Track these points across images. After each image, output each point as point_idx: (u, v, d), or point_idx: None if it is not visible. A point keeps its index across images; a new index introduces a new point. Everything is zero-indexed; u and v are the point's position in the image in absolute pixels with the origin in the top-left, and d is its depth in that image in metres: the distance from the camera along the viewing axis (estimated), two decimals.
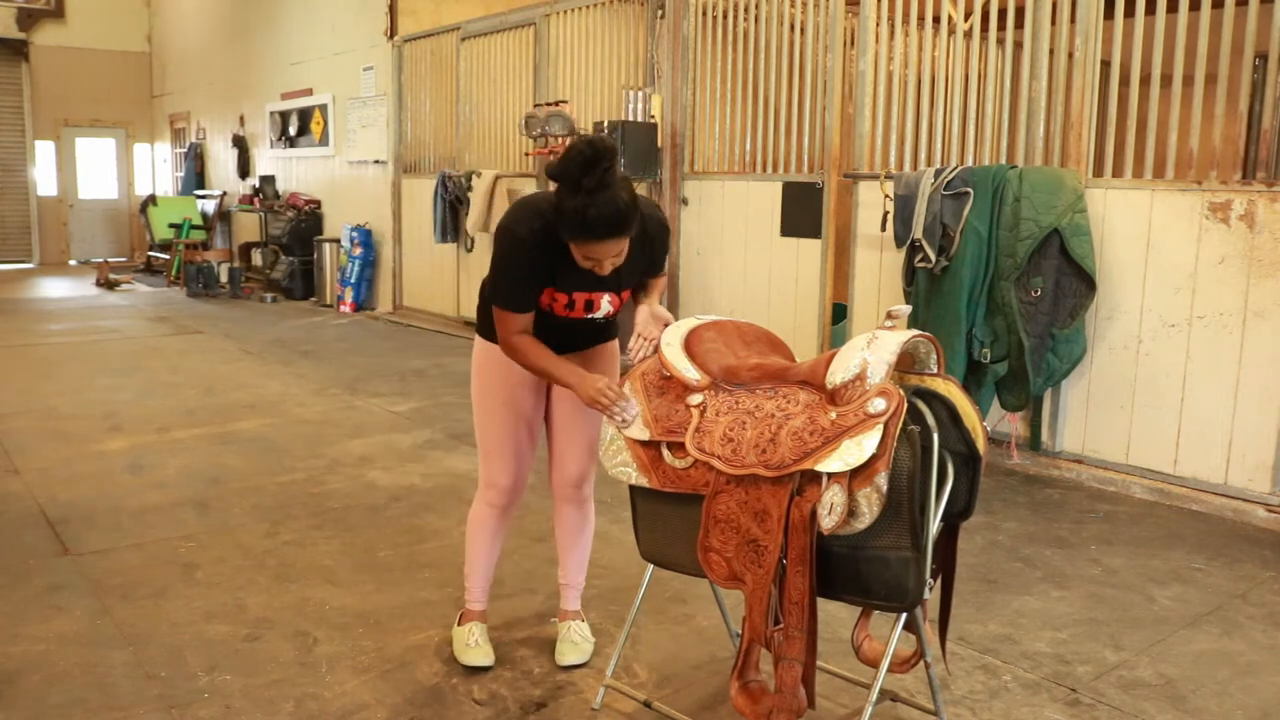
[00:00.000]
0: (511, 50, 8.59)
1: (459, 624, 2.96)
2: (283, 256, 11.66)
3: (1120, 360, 4.68)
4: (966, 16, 5.52)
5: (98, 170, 16.35)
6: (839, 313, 6.11)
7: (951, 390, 2.22)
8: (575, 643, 2.91)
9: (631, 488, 2.48)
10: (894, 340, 2.16)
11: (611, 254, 2.39)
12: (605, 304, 2.63)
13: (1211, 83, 4.38)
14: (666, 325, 2.55)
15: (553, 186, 2.38)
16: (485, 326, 2.72)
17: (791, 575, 2.13)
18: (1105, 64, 4.88)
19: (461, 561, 3.27)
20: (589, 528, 2.96)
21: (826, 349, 5.45)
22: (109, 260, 14.73)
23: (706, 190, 6.84)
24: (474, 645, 2.87)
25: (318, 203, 11.64)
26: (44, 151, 15.66)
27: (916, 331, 2.22)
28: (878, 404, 2.07)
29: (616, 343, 2.85)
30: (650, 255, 2.62)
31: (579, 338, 2.72)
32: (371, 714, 2.62)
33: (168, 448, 5.14)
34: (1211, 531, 4.10)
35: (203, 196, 14.45)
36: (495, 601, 3.17)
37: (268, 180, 12.36)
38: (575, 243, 2.37)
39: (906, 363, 2.27)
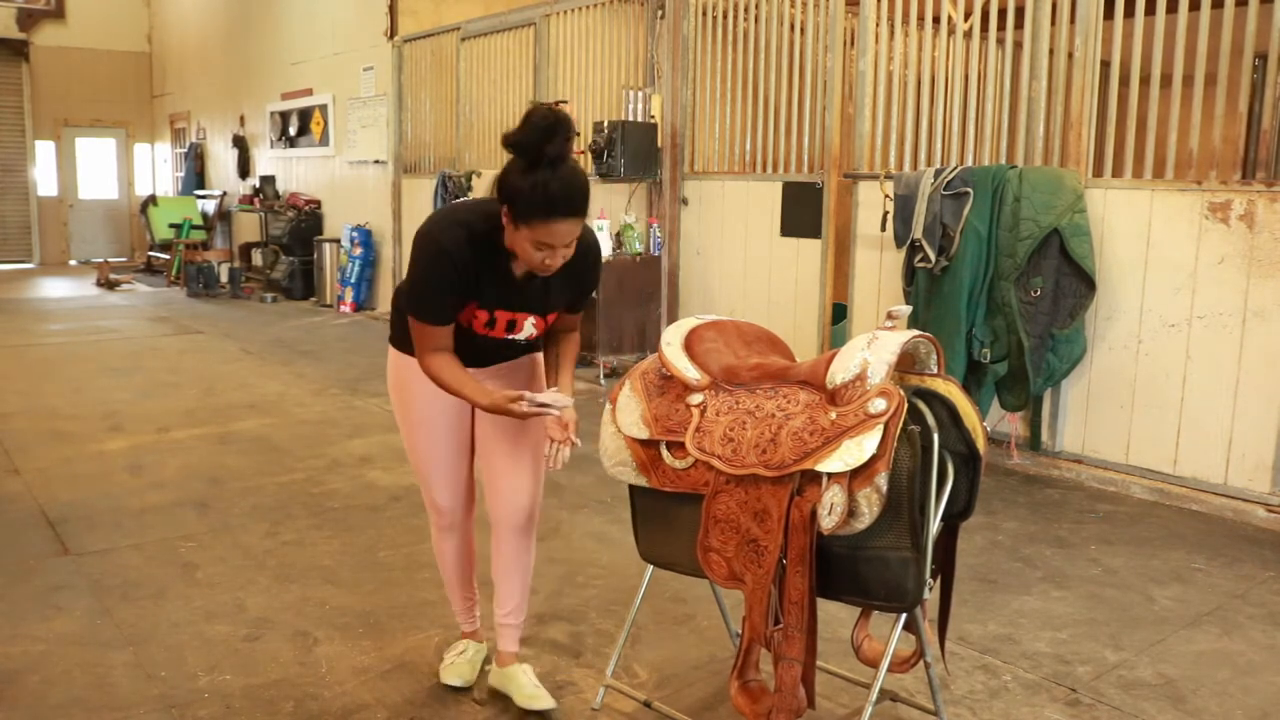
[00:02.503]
0: (511, 50, 8.59)
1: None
2: (283, 256, 11.67)
3: (1120, 360, 4.68)
4: (966, 16, 5.52)
5: (98, 170, 16.35)
6: (839, 313, 6.11)
7: (951, 390, 2.22)
8: (533, 693, 2.63)
9: (631, 487, 2.48)
10: (894, 340, 2.16)
11: (567, 240, 2.23)
12: (529, 326, 2.45)
13: (1211, 83, 4.38)
14: (569, 426, 2.39)
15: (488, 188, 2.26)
16: (399, 337, 2.53)
17: (791, 575, 2.13)
18: (1105, 64, 4.88)
19: None
20: (530, 556, 2.68)
21: (826, 349, 5.46)
22: (109, 260, 14.73)
23: (706, 190, 6.84)
24: (450, 664, 2.78)
25: (318, 203, 11.64)
26: (44, 151, 15.67)
27: (917, 332, 2.22)
28: (878, 404, 2.07)
29: (540, 357, 2.63)
30: (583, 279, 2.46)
31: (497, 357, 2.53)
32: (371, 714, 2.62)
33: (168, 448, 5.14)
34: (1211, 531, 4.10)
35: (203, 196, 14.45)
36: (490, 603, 3.15)
37: (268, 180, 12.36)
38: (534, 225, 2.18)
39: (907, 363, 2.27)
